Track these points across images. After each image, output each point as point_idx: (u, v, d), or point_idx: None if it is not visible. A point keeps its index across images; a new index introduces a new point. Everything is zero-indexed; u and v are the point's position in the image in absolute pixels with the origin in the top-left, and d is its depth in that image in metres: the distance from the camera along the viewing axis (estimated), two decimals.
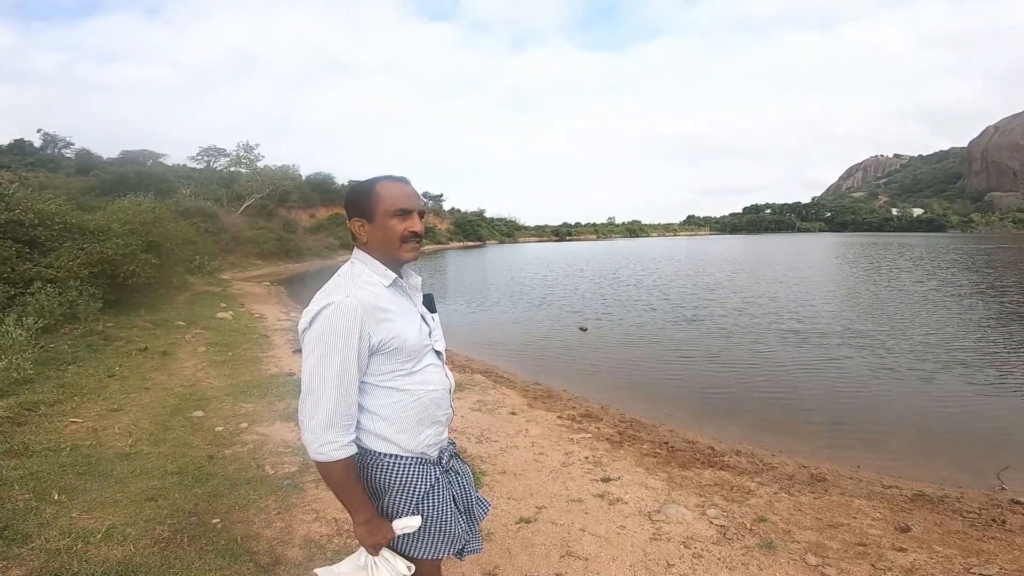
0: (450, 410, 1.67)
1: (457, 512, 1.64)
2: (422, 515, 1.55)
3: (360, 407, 1.52)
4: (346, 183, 56.17)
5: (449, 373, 1.70)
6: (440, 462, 1.64)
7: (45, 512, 3.03)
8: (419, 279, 1.70)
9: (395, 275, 1.56)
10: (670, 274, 25.67)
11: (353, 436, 1.47)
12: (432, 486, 1.58)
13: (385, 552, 1.53)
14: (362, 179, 1.61)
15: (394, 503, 1.55)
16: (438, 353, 1.65)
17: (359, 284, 1.50)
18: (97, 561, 2.59)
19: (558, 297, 17.94)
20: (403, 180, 1.57)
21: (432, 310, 1.70)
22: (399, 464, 1.54)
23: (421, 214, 1.59)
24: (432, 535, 1.58)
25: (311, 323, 1.45)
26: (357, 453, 1.52)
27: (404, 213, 1.54)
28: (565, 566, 2.83)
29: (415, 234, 1.56)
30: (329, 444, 1.43)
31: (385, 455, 1.54)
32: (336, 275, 1.57)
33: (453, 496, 1.65)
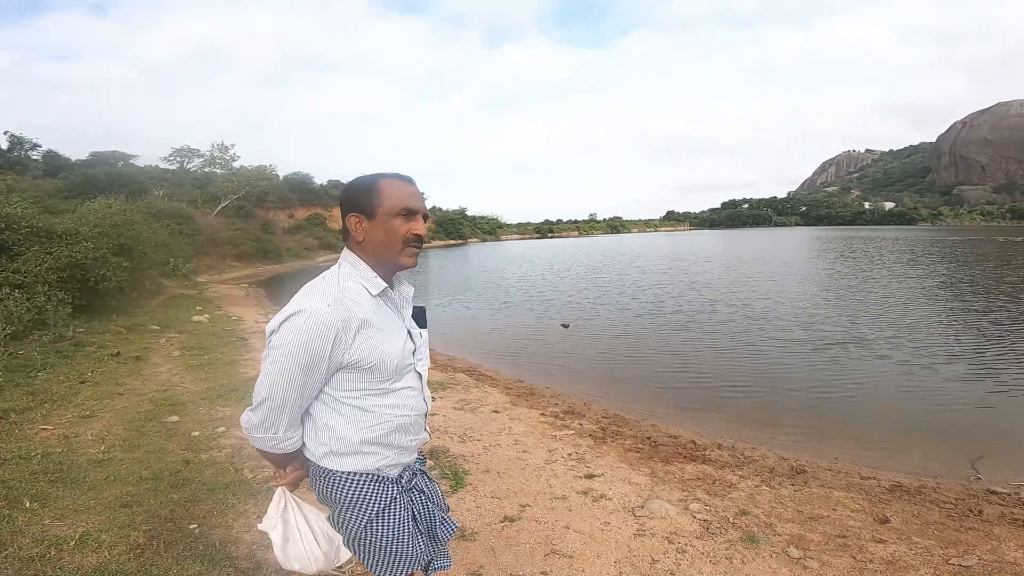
0: (423, 434, 1.57)
1: (417, 532, 1.53)
2: (375, 534, 1.46)
3: (319, 421, 1.45)
4: (325, 183, 55.61)
5: (428, 396, 1.58)
6: (400, 481, 1.53)
7: (17, 520, 2.95)
8: (411, 289, 1.59)
9: (385, 284, 1.44)
10: (651, 271, 25.84)
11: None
12: (388, 505, 1.47)
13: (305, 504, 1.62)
14: (363, 174, 1.48)
15: (345, 518, 1.47)
16: (419, 375, 1.53)
17: (343, 290, 1.37)
18: (71, 568, 2.53)
19: (540, 294, 17.96)
20: (409, 179, 1.47)
21: (422, 325, 1.59)
22: (351, 480, 1.45)
23: (425, 217, 1.49)
24: (386, 554, 1.47)
25: (280, 326, 1.35)
26: (313, 466, 1.51)
27: (409, 213, 1.43)
28: (550, 564, 2.82)
29: (418, 237, 1.44)
30: (288, 440, 1.43)
31: (337, 472, 1.45)
32: (320, 276, 1.45)
33: (413, 515, 1.54)
